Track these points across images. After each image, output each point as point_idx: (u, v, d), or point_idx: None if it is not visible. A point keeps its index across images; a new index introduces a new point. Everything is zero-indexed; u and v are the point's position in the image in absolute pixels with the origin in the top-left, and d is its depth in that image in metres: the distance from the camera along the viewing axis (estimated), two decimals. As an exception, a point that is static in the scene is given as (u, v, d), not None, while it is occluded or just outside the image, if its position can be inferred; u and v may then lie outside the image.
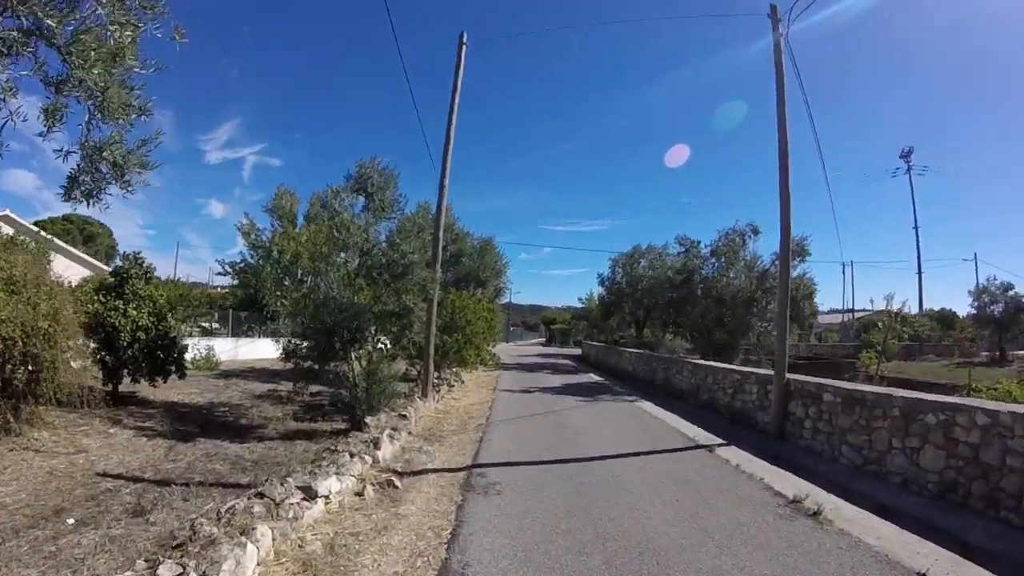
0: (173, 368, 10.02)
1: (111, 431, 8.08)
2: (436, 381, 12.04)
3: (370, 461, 5.85)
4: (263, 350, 18.55)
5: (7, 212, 20.33)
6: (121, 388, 10.08)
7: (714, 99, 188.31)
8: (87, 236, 37.20)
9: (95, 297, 9.45)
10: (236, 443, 7.83)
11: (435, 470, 6.29)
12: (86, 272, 18.69)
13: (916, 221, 39.93)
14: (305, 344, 8.37)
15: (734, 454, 7.51)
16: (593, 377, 20.37)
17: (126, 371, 9.50)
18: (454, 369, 13.74)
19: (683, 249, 21.77)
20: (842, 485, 5.98)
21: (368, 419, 7.94)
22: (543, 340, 66.91)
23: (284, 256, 10.27)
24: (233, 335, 20.02)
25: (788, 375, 8.68)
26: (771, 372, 9.25)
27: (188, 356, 15.70)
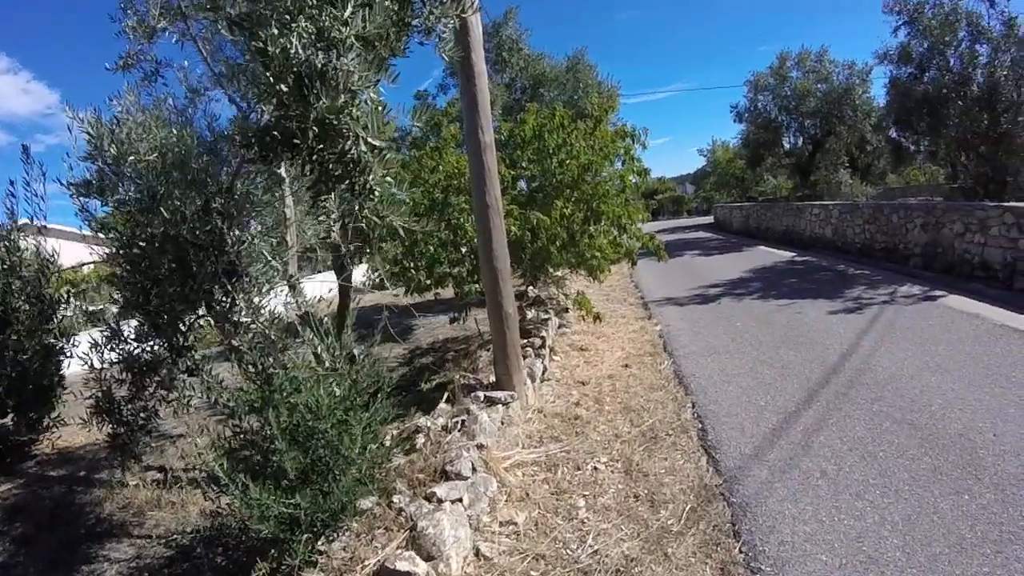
0: (12, 404, 4.03)
1: None
2: (531, 319, 5.38)
3: None
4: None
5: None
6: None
7: None
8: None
9: None
10: None
11: None
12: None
13: None
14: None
15: None
16: (777, 252, 12.69)
17: None
18: (560, 274, 6.75)
19: (903, 20, 12.13)
20: None
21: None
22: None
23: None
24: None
25: None
26: None
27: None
